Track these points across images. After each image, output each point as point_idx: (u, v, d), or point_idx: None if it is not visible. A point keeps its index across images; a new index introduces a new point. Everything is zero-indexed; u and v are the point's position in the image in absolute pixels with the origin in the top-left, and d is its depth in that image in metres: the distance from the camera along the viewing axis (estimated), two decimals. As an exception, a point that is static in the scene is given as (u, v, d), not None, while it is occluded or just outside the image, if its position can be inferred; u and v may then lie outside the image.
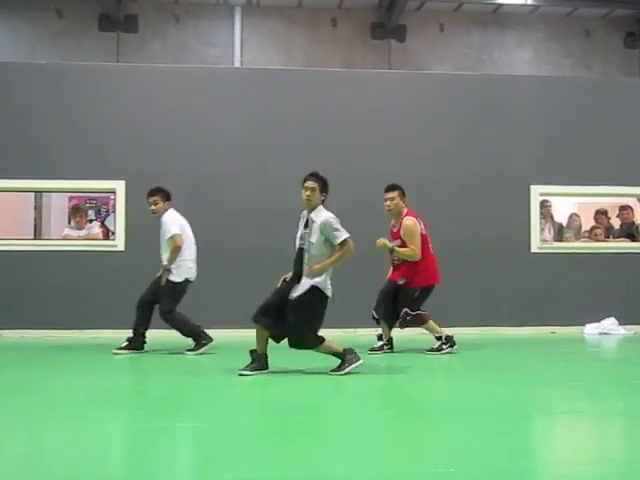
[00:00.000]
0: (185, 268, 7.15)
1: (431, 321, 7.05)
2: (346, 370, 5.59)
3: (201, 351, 7.04)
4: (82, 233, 9.31)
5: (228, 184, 9.05)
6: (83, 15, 15.81)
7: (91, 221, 10.13)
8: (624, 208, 10.13)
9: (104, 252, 8.99)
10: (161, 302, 7.06)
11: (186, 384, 5.53)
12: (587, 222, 10.45)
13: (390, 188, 7.06)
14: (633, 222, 10.03)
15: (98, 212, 10.92)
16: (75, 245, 9.00)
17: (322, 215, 5.75)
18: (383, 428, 4.03)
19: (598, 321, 9.22)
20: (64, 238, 9.25)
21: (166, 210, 7.19)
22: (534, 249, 9.44)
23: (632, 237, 9.91)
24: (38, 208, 10.20)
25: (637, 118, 9.80)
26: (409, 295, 6.96)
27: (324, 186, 5.86)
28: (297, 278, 5.72)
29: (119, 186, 8.99)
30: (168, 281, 7.05)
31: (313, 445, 3.59)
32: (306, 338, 5.63)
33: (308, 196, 5.77)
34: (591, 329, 9.18)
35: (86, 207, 10.37)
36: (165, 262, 7.07)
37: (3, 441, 3.76)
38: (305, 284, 5.63)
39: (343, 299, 8.33)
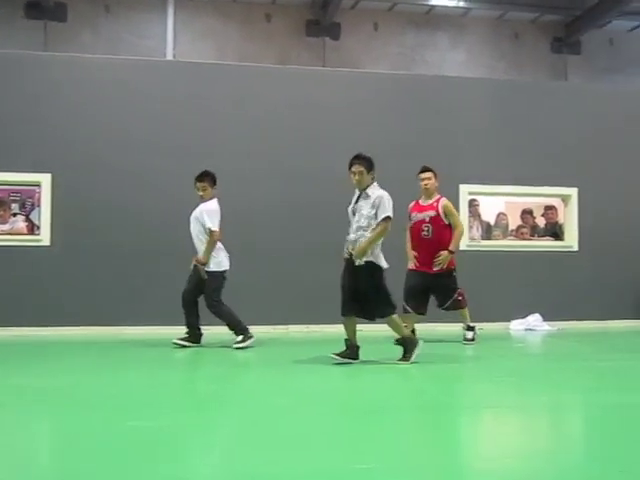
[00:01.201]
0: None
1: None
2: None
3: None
4: (5, 227, 9.00)
5: (157, 178, 8.89)
6: (9, 1, 15.27)
7: (15, 215, 9.78)
8: (549, 208, 10.43)
9: (28, 247, 8.72)
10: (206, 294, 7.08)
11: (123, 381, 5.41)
12: (514, 221, 10.71)
13: (427, 169, 7.62)
14: (557, 222, 10.33)
15: (22, 206, 10.54)
16: (-2, 240, 8.70)
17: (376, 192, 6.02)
18: (306, 425, 4.01)
19: (523, 317, 9.47)
20: (-14, 232, 8.93)
21: (212, 197, 7.14)
22: (462, 247, 9.60)
23: (556, 236, 10.21)
24: (-42, 201, 9.80)
25: (563, 121, 10.10)
26: (453, 277, 7.60)
27: (370, 165, 6.02)
28: None
29: (45, 179, 8.74)
30: (207, 273, 7.02)
31: (236, 442, 3.56)
32: None
33: (357, 180, 5.98)
34: (516, 325, 9.42)
35: (9, 200, 9.97)
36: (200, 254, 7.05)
37: None
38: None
39: (275, 296, 8.33)
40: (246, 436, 3.69)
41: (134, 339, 7.55)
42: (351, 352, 6.03)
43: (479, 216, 10.19)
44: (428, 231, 7.48)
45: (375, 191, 5.99)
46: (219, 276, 7.04)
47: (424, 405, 4.52)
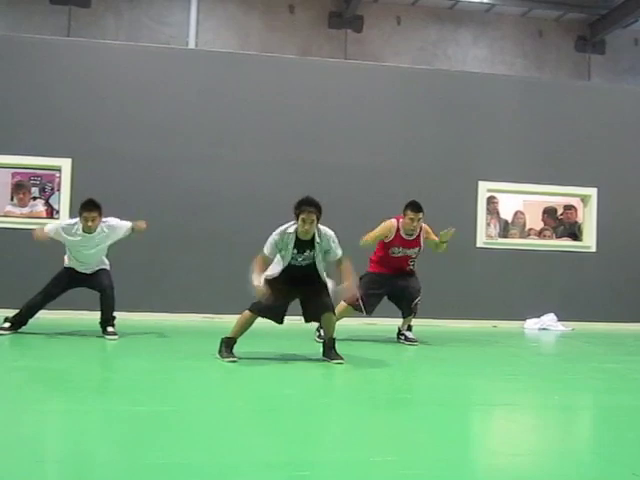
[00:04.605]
0: None
1: None
2: None
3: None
4: (25, 211, 9.06)
5: (178, 166, 8.93)
6: (35, -14, 15.35)
7: (35, 199, 9.87)
8: (568, 208, 10.37)
9: (47, 231, 8.77)
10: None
11: (127, 367, 5.47)
12: (532, 220, 10.67)
13: (421, 209, 7.04)
14: (576, 221, 10.27)
15: (42, 190, 10.65)
16: (17, 223, 8.75)
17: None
18: (323, 416, 4.04)
19: (538, 317, 9.44)
20: (6, 215, 9.00)
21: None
22: (479, 244, 9.60)
23: (574, 236, 10.15)
24: (-21, 183, 9.90)
25: (584, 120, 10.02)
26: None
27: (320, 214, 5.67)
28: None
29: (65, 164, 8.78)
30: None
31: (252, 432, 3.58)
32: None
33: (307, 230, 5.59)
34: (531, 324, 9.39)
35: (30, 184, 10.09)
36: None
37: None
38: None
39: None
40: (260, 427, 3.72)
41: (146, 325, 7.59)
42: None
43: (497, 214, 10.15)
44: (414, 265, 7.26)
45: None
46: None
47: (436, 399, 4.53)
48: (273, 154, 9.11)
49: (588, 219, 10.06)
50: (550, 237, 10.16)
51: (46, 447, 3.28)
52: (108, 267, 7.11)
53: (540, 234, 10.27)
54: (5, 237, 8.60)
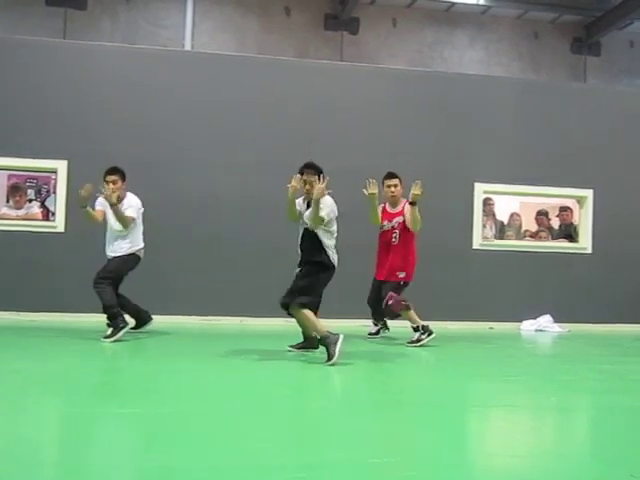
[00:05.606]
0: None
1: (412, 310, 7.21)
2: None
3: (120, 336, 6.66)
4: (21, 213, 9.05)
5: (174, 169, 8.93)
6: (29, -12, 15.32)
7: (30, 201, 9.85)
8: (564, 209, 10.39)
9: (43, 233, 8.76)
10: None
11: (126, 369, 5.46)
12: (528, 221, 10.68)
13: (394, 175, 7.39)
14: (572, 223, 10.28)
15: (38, 192, 10.63)
16: (13, 225, 8.74)
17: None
18: (320, 418, 4.04)
19: (534, 318, 9.45)
20: (1, 217, 8.97)
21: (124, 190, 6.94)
22: (475, 246, 9.60)
23: (570, 237, 10.16)
24: (-25, 185, 9.88)
25: (579, 122, 10.04)
26: (395, 286, 7.21)
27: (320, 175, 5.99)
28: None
29: (61, 166, 8.76)
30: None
31: (250, 434, 3.58)
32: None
33: (308, 190, 5.96)
34: (527, 326, 9.40)
35: (26, 186, 10.07)
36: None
37: None
38: None
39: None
40: (258, 429, 3.71)
41: (145, 328, 7.57)
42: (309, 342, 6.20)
43: (493, 215, 10.16)
44: (396, 237, 7.32)
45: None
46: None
47: (434, 401, 4.53)
48: (270, 156, 9.10)
49: (584, 220, 10.08)
50: (546, 238, 10.18)
51: (44, 449, 3.27)
52: (124, 252, 6.92)
53: (536, 235, 10.27)
54: (1, 239, 8.58)
